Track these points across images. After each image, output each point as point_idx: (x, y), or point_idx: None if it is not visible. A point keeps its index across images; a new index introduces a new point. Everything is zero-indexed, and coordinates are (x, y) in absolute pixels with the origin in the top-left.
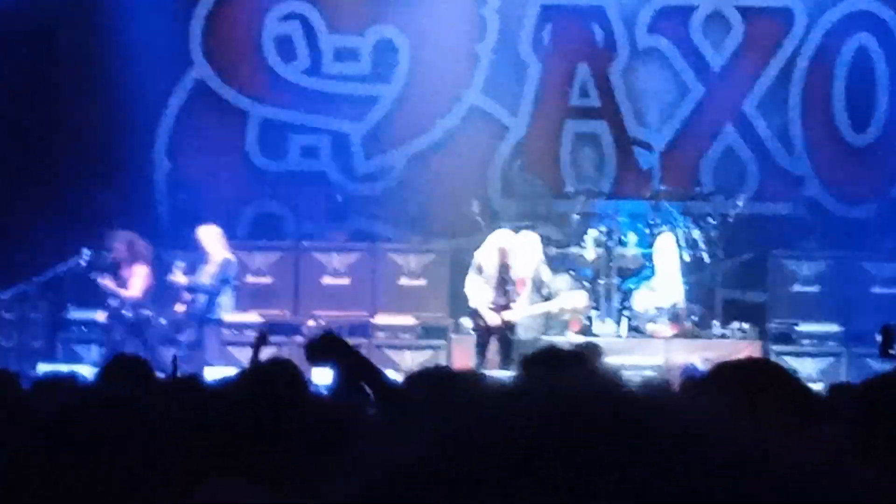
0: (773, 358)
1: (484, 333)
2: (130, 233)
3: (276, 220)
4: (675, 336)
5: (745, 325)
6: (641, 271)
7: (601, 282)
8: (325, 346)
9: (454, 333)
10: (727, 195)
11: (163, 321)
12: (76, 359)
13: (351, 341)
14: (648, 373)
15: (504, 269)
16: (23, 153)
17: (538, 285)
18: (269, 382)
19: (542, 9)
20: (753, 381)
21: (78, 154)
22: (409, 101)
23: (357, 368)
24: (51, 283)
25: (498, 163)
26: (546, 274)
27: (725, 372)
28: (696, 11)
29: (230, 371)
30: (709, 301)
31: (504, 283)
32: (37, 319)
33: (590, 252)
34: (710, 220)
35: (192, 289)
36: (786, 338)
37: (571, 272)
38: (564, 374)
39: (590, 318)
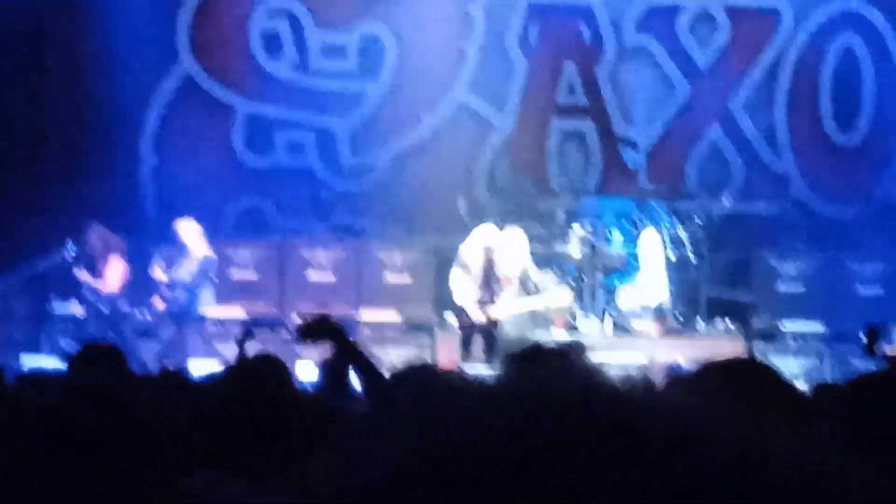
0: (757, 357)
1: (469, 330)
2: (102, 226)
3: (262, 215)
4: (660, 334)
5: (730, 324)
6: (626, 269)
7: (586, 280)
8: (319, 327)
9: (439, 330)
10: (713, 194)
11: (148, 317)
12: (60, 352)
13: None
14: (633, 371)
15: (489, 265)
16: (8, 146)
17: (524, 282)
18: (256, 378)
19: (530, 7)
20: (739, 380)
21: (64, 148)
22: (396, 98)
23: (347, 352)
24: (35, 276)
25: (484, 160)
26: (532, 271)
27: (711, 371)
28: (683, 11)
29: (214, 365)
30: (694, 300)
31: (489, 280)
32: (21, 312)
33: (575, 250)
34: (696, 218)
35: (172, 285)
36: (770, 337)
37: (556, 270)
38: (549, 371)
39: (574, 316)
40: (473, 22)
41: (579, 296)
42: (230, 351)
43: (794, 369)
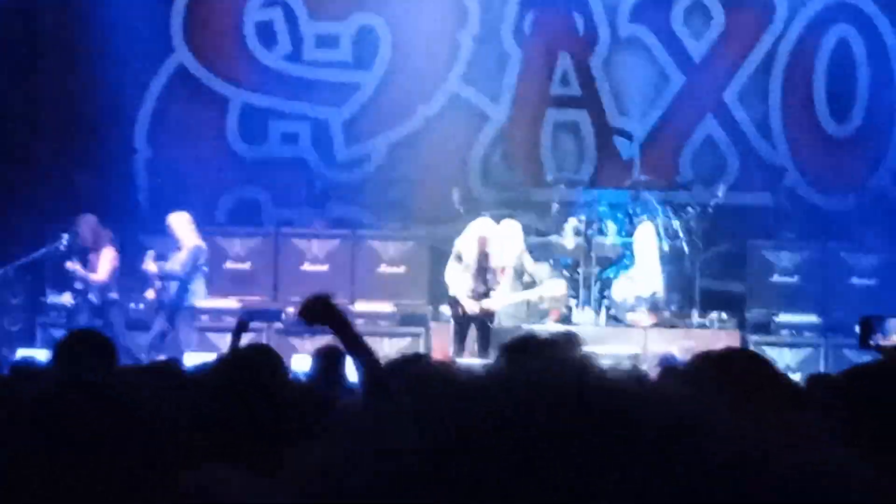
0: (751, 348)
1: (463, 321)
2: (93, 216)
3: (256, 206)
4: (654, 325)
5: (724, 315)
6: (621, 260)
7: (580, 271)
8: (321, 309)
9: (433, 321)
10: (707, 185)
11: (142, 306)
12: (54, 343)
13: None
14: (626, 362)
15: (483, 257)
16: (2, 138)
17: (520, 273)
18: (250, 368)
19: None
20: (733, 371)
21: (58, 139)
22: (390, 89)
23: (347, 337)
24: (30, 268)
25: (478, 151)
26: (528, 262)
27: (705, 362)
28: (677, 1)
29: (209, 357)
30: (688, 291)
31: (483, 272)
32: (16, 304)
33: (569, 241)
34: (690, 209)
35: (163, 277)
36: (764, 328)
37: (551, 261)
38: (543, 362)
39: (569, 307)
40: (468, 12)
41: (574, 287)
42: (224, 342)
43: (789, 360)
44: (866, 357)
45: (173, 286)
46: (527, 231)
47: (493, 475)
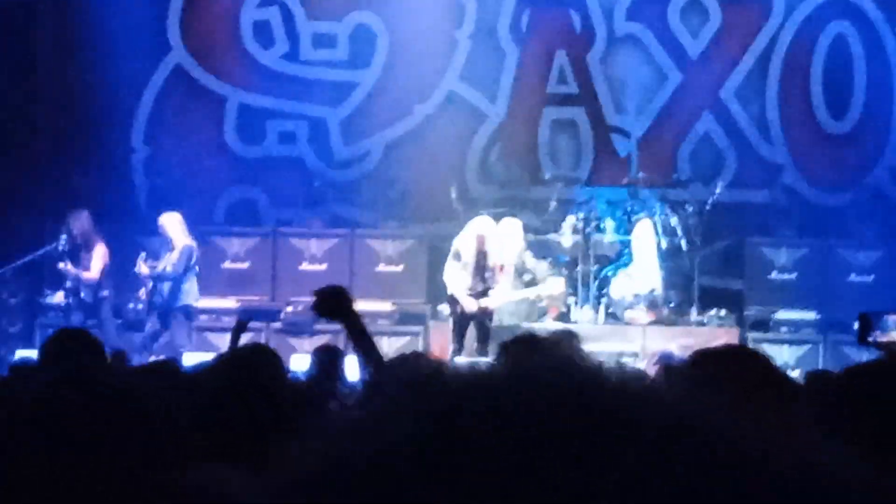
0: (750, 345)
1: (461, 320)
2: (85, 212)
3: (254, 205)
4: (653, 323)
5: (723, 313)
6: (619, 258)
7: (579, 269)
8: (335, 303)
9: (432, 320)
10: (705, 182)
11: (140, 306)
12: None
13: (328, 327)
14: (626, 359)
15: (482, 255)
16: (0, 137)
17: (521, 272)
18: (248, 368)
19: None
20: (732, 369)
21: (55, 139)
22: (387, 88)
23: (356, 333)
24: (28, 268)
25: (476, 149)
26: (529, 260)
27: (704, 359)
28: None
29: (207, 356)
30: (686, 288)
31: (482, 270)
32: (14, 304)
33: (567, 239)
34: (688, 207)
35: (156, 278)
36: (763, 325)
37: (549, 259)
38: (541, 360)
39: (568, 305)
40: (464, 11)
41: (572, 285)
42: (223, 342)
43: (787, 357)
44: (865, 354)
45: (166, 286)
46: (525, 229)
47: (491, 474)
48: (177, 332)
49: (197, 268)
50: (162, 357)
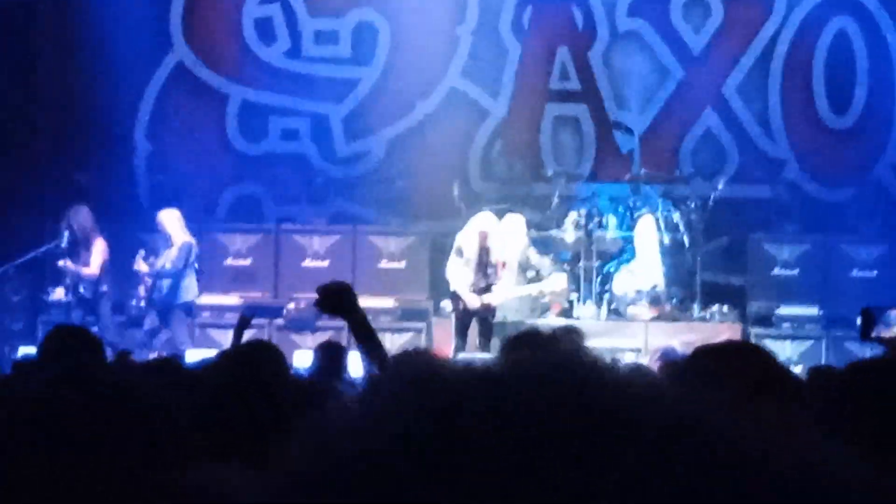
0: (752, 341)
1: (464, 316)
2: (85, 207)
3: (256, 202)
4: (655, 319)
5: (725, 309)
6: (621, 254)
7: (581, 265)
8: (339, 299)
9: (434, 316)
10: (707, 178)
11: (142, 303)
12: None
13: (331, 323)
14: (628, 355)
15: (484, 252)
16: (1, 135)
17: (525, 268)
18: (251, 364)
19: None
20: (734, 364)
21: (57, 137)
22: (389, 84)
23: (360, 329)
24: (31, 265)
25: (478, 146)
26: (534, 257)
27: (706, 355)
28: None
29: (210, 353)
30: (689, 284)
31: (484, 266)
32: (17, 302)
33: (570, 235)
34: (690, 203)
35: (155, 275)
36: (766, 321)
37: (552, 255)
38: (544, 358)
39: (570, 302)
40: (466, 7)
41: (575, 281)
42: (226, 339)
43: (790, 353)
44: (868, 349)
45: (165, 284)
46: (527, 226)
47: (491, 474)
48: (176, 329)
49: (196, 264)
50: (163, 354)
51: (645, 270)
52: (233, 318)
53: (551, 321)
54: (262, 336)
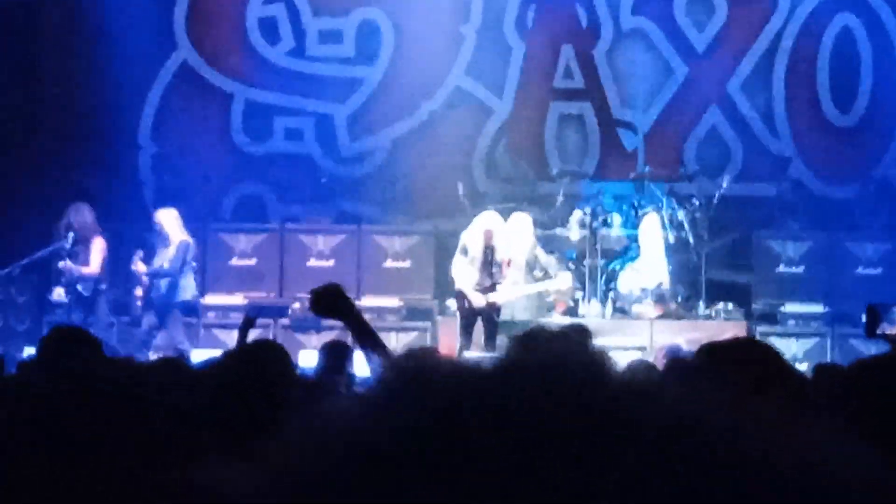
0: (757, 338)
1: (469, 315)
2: (85, 205)
3: (261, 202)
4: (660, 317)
5: (730, 306)
6: (626, 252)
7: (586, 263)
8: (331, 301)
9: (439, 315)
10: (711, 176)
11: (139, 303)
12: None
13: (337, 323)
14: (634, 353)
15: (489, 250)
16: (6, 136)
17: (533, 267)
18: (256, 364)
19: None
20: (740, 362)
21: (62, 136)
22: (394, 83)
23: (357, 329)
24: (35, 266)
25: (482, 145)
26: (542, 255)
27: (711, 353)
28: None
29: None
30: (694, 282)
31: (489, 265)
32: (22, 303)
33: (574, 233)
34: (695, 201)
35: (153, 274)
36: (771, 318)
37: (556, 254)
38: (547, 357)
39: (575, 300)
40: (470, 6)
41: (580, 279)
42: (231, 339)
43: (795, 350)
44: (873, 346)
45: (163, 283)
46: (532, 224)
47: (491, 473)
48: (173, 329)
49: (194, 263)
50: (161, 354)
51: (650, 268)
52: (238, 317)
53: (556, 320)
54: (268, 336)
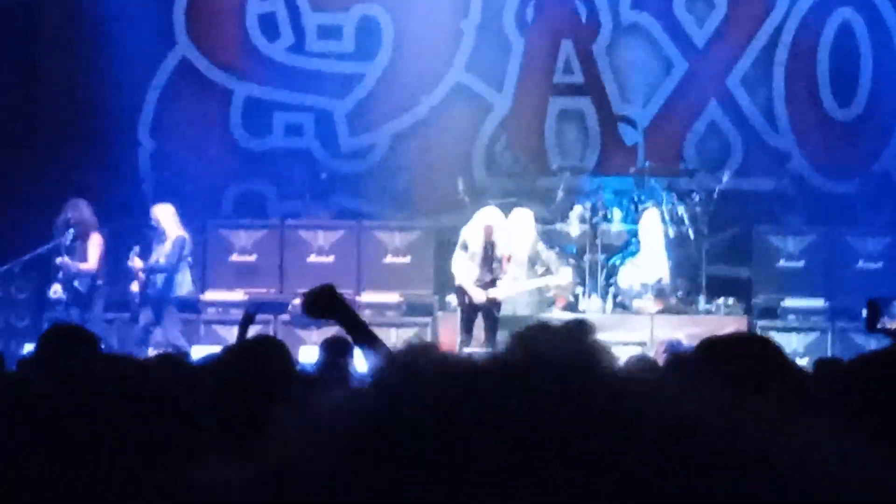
0: (758, 333)
1: (469, 311)
2: (83, 200)
3: (261, 198)
4: (661, 312)
5: (731, 301)
6: (626, 247)
7: (586, 258)
8: (324, 302)
9: (440, 311)
10: (712, 171)
11: (136, 299)
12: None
13: None
14: (634, 348)
15: (489, 246)
16: (5, 133)
17: (534, 262)
18: (256, 360)
19: None
20: (740, 357)
21: (61, 134)
22: (393, 79)
23: (353, 328)
24: (35, 263)
25: (482, 140)
26: (544, 251)
27: (712, 348)
28: None
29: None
30: (694, 277)
31: (489, 261)
32: (22, 299)
33: (575, 228)
34: (695, 195)
35: (149, 270)
36: (771, 313)
37: (557, 249)
38: (551, 352)
39: (575, 295)
40: (470, 1)
41: (580, 275)
42: (231, 335)
43: (796, 345)
44: (874, 341)
45: (159, 279)
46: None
47: (490, 473)
48: (168, 325)
49: (190, 259)
50: (159, 351)
51: (650, 263)
52: (238, 314)
53: (556, 315)
54: (268, 332)
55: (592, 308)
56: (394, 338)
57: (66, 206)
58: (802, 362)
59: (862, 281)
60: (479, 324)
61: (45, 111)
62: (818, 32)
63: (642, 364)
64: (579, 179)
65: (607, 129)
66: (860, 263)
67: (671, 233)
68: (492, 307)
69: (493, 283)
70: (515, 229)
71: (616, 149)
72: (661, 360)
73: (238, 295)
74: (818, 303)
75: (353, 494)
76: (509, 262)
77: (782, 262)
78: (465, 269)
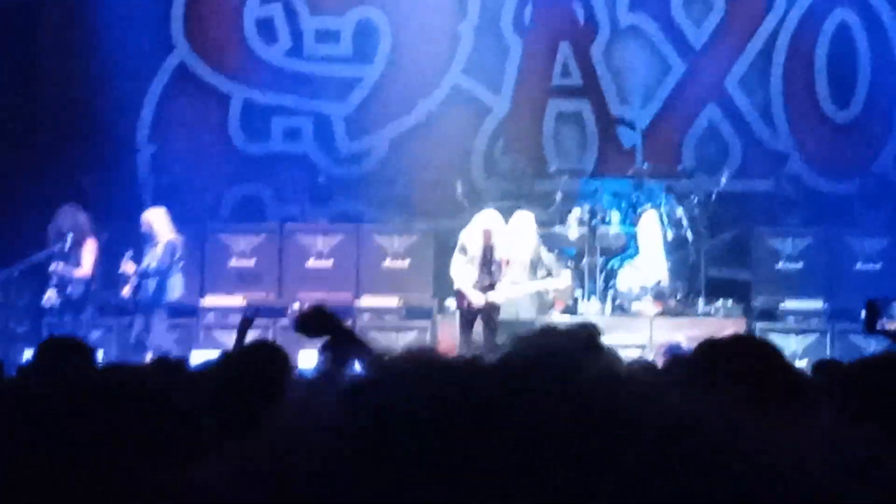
0: (757, 335)
1: (468, 314)
2: (76, 205)
3: (259, 202)
4: (660, 314)
5: (730, 303)
6: (625, 250)
7: (585, 261)
8: (316, 320)
9: (439, 314)
10: (710, 173)
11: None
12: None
13: None
14: (633, 351)
15: (488, 249)
16: (5, 136)
17: (536, 266)
18: (255, 364)
19: None
20: (738, 359)
21: (60, 138)
22: (391, 82)
23: (347, 342)
24: (35, 269)
25: (480, 143)
26: (545, 254)
27: (711, 350)
28: None
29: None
30: (693, 279)
31: (489, 264)
32: (21, 305)
33: (573, 231)
34: (694, 197)
35: (141, 274)
36: (770, 315)
37: (556, 251)
38: (552, 354)
39: (574, 298)
40: (467, 4)
41: (579, 278)
42: (229, 340)
43: (795, 347)
44: (873, 342)
45: (151, 283)
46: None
47: (490, 473)
48: (157, 331)
49: (181, 263)
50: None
51: (649, 266)
52: (237, 319)
53: (555, 318)
54: (267, 337)
55: (591, 311)
56: (393, 342)
57: (59, 212)
58: (802, 364)
59: (861, 282)
60: (479, 327)
61: (45, 113)
62: (816, 34)
63: (642, 367)
64: (577, 182)
65: (605, 132)
66: (859, 264)
67: (670, 235)
68: (491, 311)
69: (492, 287)
70: (517, 232)
71: (614, 151)
72: (660, 363)
73: (237, 300)
74: (817, 304)
75: (352, 494)
76: (508, 266)
77: (781, 264)
78: (464, 272)
